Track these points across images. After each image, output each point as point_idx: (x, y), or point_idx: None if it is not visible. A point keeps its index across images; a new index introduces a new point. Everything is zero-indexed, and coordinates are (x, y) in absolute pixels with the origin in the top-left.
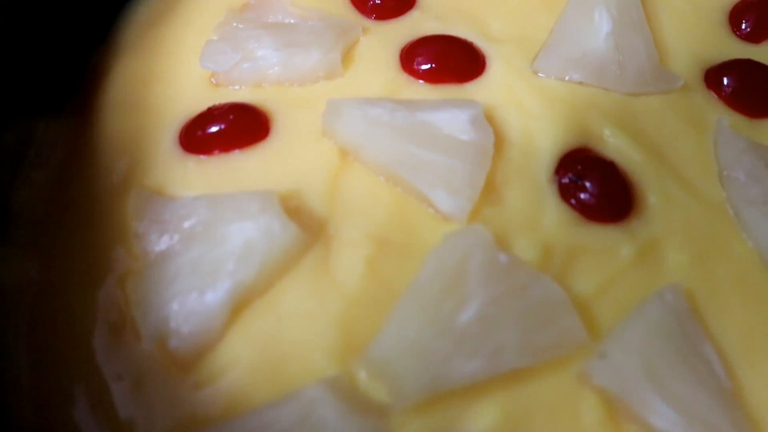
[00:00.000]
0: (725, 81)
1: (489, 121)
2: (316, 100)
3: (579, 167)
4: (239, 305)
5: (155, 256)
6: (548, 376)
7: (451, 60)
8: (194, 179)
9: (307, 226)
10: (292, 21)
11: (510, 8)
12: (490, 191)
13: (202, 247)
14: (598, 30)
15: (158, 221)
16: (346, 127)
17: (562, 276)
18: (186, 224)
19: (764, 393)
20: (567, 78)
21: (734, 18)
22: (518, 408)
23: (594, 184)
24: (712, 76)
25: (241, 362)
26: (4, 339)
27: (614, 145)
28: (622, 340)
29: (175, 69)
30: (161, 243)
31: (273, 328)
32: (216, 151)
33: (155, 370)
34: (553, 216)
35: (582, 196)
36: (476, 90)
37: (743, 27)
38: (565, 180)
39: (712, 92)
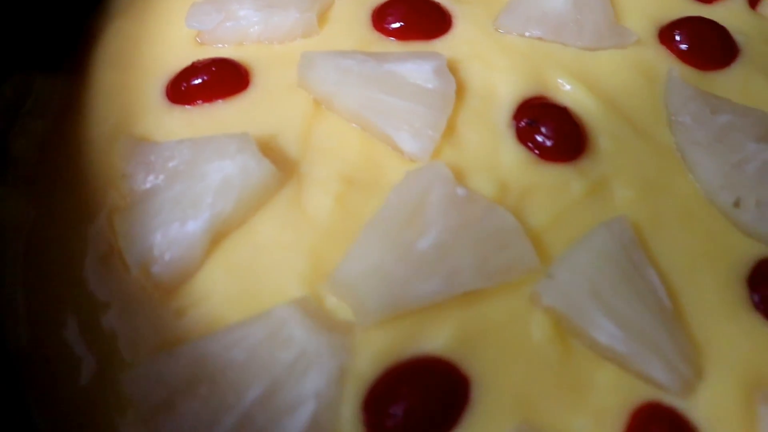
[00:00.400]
0: (677, 37)
1: (452, 72)
2: (293, 56)
3: (535, 113)
4: (217, 236)
5: (141, 193)
6: (501, 298)
7: (419, 19)
8: (179, 127)
9: (282, 165)
10: None
11: None
12: (451, 134)
13: (184, 183)
14: None
15: (144, 162)
16: (319, 78)
17: (517, 209)
18: (170, 164)
19: (702, 315)
20: (527, 34)
21: None
22: (473, 326)
23: (549, 128)
24: (665, 33)
25: (219, 288)
26: (2, 270)
27: (569, 94)
28: (569, 263)
29: (163, 29)
30: (147, 181)
31: (248, 256)
32: (199, 101)
33: (140, 296)
34: (510, 156)
35: (538, 138)
36: (442, 46)
37: None
38: (522, 124)
39: (665, 47)
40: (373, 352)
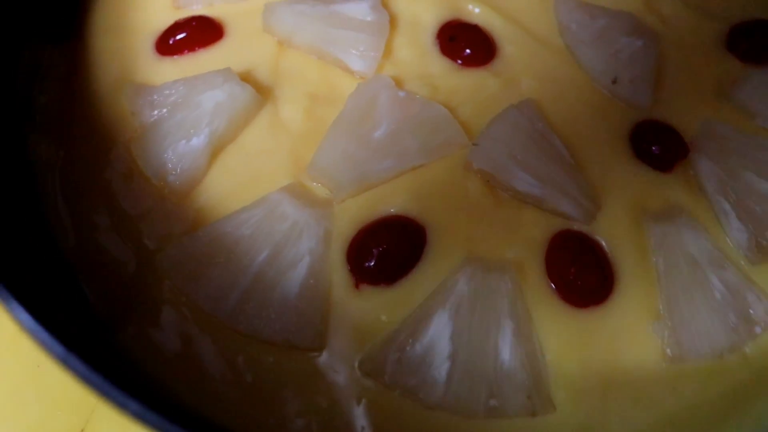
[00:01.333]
0: None
1: (385, 7)
2: (257, 10)
3: (454, 31)
4: (216, 149)
5: (150, 124)
6: (442, 168)
7: None
8: (171, 74)
9: (259, 91)
10: None
11: None
12: (389, 54)
13: (184, 112)
14: None
15: (148, 101)
16: (280, 21)
17: (447, 105)
18: (170, 99)
19: (597, 164)
20: None
21: None
22: (423, 191)
23: (465, 41)
24: None
25: (222, 187)
26: (46, 195)
27: (478, 15)
28: (490, 135)
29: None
30: (153, 115)
31: (242, 161)
32: (185, 51)
33: (159, 201)
34: (437, 66)
35: (459, 50)
36: None
37: None
38: (443, 40)
39: None
40: (349, 217)
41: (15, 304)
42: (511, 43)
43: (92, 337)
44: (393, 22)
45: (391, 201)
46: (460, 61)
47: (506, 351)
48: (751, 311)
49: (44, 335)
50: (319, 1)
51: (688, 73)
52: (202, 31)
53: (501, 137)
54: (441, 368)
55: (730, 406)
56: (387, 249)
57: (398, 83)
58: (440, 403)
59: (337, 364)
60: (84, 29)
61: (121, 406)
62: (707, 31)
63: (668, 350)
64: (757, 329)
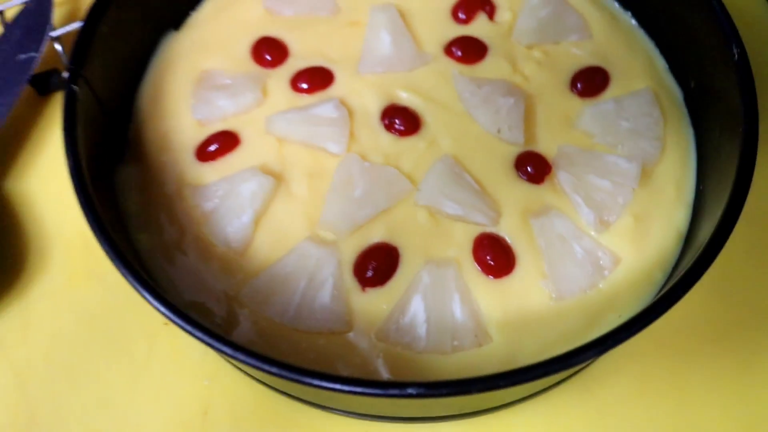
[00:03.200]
0: (453, 49)
1: (344, 104)
2: (258, 119)
3: (391, 114)
4: (257, 220)
5: (210, 212)
6: (401, 208)
7: (315, 79)
8: (212, 174)
9: (274, 177)
10: (228, 81)
11: (337, 42)
12: (352, 137)
13: (230, 200)
14: (384, 42)
15: (203, 195)
16: (276, 127)
17: (395, 165)
18: (218, 193)
19: (496, 187)
20: (376, 71)
21: (455, 12)
22: (391, 224)
23: (399, 119)
24: (447, 49)
25: (266, 244)
26: (154, 268)
27: (406, 99)
28: (426, 181)
29: (178, 123)
30: (209, 205)
31: (275, 226)
32: (219, 157)
33: (228, 262)
34: (384, 140)
35: (395, 126)
36: (334, 91)
37: (460, 16)
38: (386, 121)
39: (449, 57)
40: (351, 249)
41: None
42: (430, 115)
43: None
44: (351, 114)
45: (374, 234)
46: (397, 133)
47: (458, 311)
48: (601, 262)
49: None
50: (301, 109)
51: (547, 113)
52: (226, 142)
53: (433, 182)
54: (421, 328)
55: (592, 320)
56: (377, 264)
57: (363, 157)
58: (425, 349)
59: (361, 338)
60: (140, 151)
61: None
62: (556, 80)
63: (553, 294)
64: (606, 273)
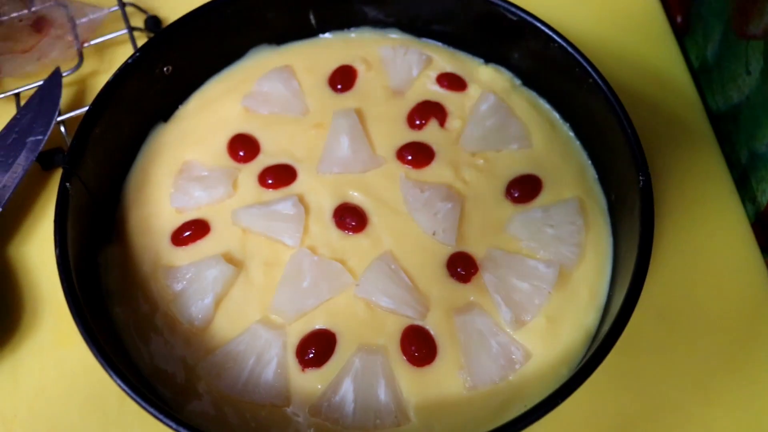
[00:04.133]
0: (405, 153)
1: (302, 202)
2: (227, 210)
3: (342, 212)
4: (218, 302)
5: (178, 292)
6: (342, 299)
7: (280, 177)
8: (184, 257)
9: (236, 264)
10: (205, 173)
11: (302, 142)
12: (306, 231)
13: (196, 284)
14: (343, 145)
15: (174, 278)
16: (241, 220)
17: (341, 259)
18: (187, 276)
19: (427, 284)
20: (333, 171)
21: (410, 118)
22: (333, 313)
23: (349, 218)
24: (399, 153)
25: (224, 323)
26: (126, 338)
27: (357, 198)
28: (365, 276)
29: (158, 209)
30: (178, 286)
31: (232, 308)
32: (190, 243)
33: (191, 336)
34: (334, 236)
35: (345, 223)
36: (295, 187)
37: (416, 122)
38: (337, 218)
39: (400, 161)
40: (296, 332)
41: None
42: (376, 215)
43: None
44: (307, 210)
45: (316, 320)
46: (347, 231)
47: (382, 394)
48: (513, 356)
49: (155, 412)
50: (263, 204)
51: (481, 218)
52: (198, 229)
53: (372, 277)
54: (349, 407)
55: (500, 408)
56: (316, 348)
57: (313, 250)
58: (351, 425)
59: (297, 412)
60: (124, 233)
61: None
62: (493, 186)
63: (466, 384)
64: (517, 366)
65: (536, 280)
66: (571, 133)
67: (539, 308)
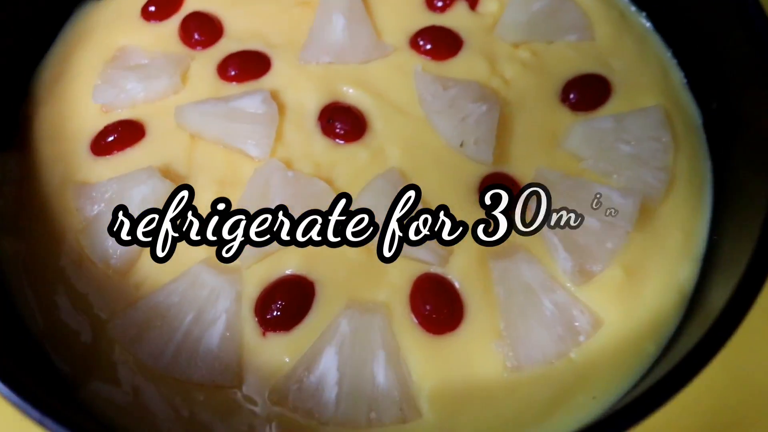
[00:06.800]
0: (420, 42)
1: (275, 98)
2: (171, 109)
3: (330, 114)
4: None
5: (92, 218)
6: None
7: (247, 66)
8: (105, 171)
9: (177, 180)
10: (145, 61)
11: (281, 24)
12: (280, 139)
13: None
14: (336, 27)
15: (89, 198)
16: (189, 121)
17: (328, 178)
18: (106, 195)
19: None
20: (320, 61)
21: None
22: (311, 253)
23: (340, 122)
24: (413, 40)
25: (153, 265)
26: (15, 285)
27: (352, 96)
28: (360, 201)
29: (78, 107)
30: (93, 209)
31: None
32: (115, 151)
33: (105, 281)
34: (319, 145)
35: (335, 130)
36: (267, 81)
37: (437, 3)
38: (324, 122)
39: (414, 50)
40: (255, 280)
41: None
42: (379, 118)
43: (60, 397)
44: (281, 110)
45: (287, 263)
46: (336, 139)
47: (381, 375)
48: (576, 324)
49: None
50: (220, 99)
51: (527, 127)
52: (127, 133)
53: (370, 203)
54: (331, 392)
55: (556, 401)
56: (285, 303)
57: (288, 164)
58: (332, 420)
59: (252, 397)
60: (30, 137)
61: None
62: (544, 87)
63: (508, 362)
64: (581, 338)
65: (608, 215)
66: (648, 24)
67: (613, 255)
